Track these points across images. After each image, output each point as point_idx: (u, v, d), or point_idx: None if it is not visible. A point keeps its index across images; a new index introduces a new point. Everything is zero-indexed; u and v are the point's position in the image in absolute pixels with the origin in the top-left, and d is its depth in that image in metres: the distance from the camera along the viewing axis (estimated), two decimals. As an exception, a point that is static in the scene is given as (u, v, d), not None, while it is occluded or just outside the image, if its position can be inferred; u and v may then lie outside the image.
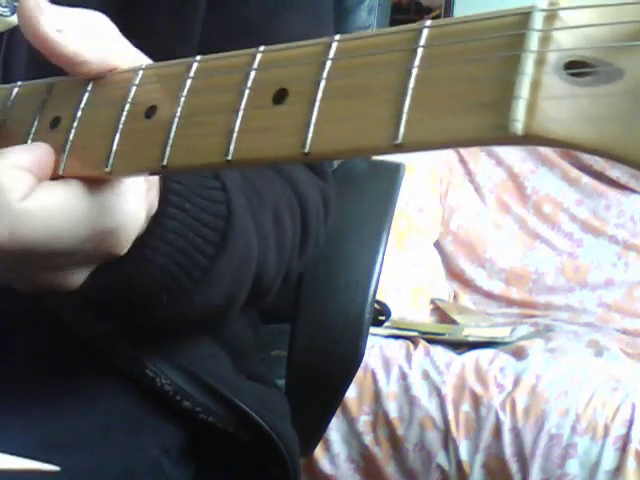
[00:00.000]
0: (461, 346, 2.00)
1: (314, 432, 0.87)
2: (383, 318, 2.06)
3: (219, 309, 0.60)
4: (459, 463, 1.80)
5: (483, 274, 2.52)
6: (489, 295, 2.50)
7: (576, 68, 0.29)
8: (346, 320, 0.82)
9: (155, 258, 0.51)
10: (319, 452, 1.87)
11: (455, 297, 2.53)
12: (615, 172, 2.53)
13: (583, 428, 1.73)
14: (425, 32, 0.32)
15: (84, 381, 0.60)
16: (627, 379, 1.81)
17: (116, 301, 0.53)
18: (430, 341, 2.00)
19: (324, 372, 0.82)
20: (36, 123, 0.44)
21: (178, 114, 0.39)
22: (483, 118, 0.29)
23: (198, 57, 0.40)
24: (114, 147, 0.40)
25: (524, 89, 0.29)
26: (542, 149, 2.66)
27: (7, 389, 0.57)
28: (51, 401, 0.58)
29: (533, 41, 0.29)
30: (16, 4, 0.51)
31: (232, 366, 0.68)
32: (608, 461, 1.70)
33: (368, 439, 1.88)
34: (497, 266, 2.52)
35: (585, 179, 2.57)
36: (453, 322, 2.27)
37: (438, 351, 1.94)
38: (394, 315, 2.10)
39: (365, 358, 0.84)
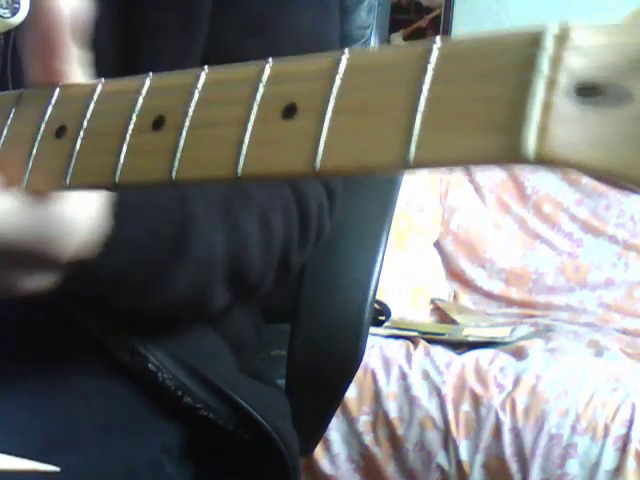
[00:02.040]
0: (461, 346, 2.00)
1: (314, 432, 0.87)
2: (383, 318, 2.06)
3: (184, 308, 0.61)
4: (459, 463, 1.80)
5: (483, 274, 2.52)
6: (489, 295, 2.50)
7: (587, 91, 0.28)
8: (346, 320, 0.82)
9: (109, 258, 0.50)
10: (319, 452, 1.87)
11: (455, 297, 2.53)
12: (615, 172, 2.53)
13: (583, 428, 1.73)
14: (435, 50, 0.32)
15: (85, 381, 0.60)
16: (627, 379, 1.81)
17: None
18: (430, 341, 2.00)
19: (324, 372, 0.82)
20: (41, 131, 0.44)
21: (186, 127, 0.38)
22: (494, 140, 0.29)
23: (206, 68, 0.40)
24: (122, 159, 0.40)
25: (535, 111, 0.29)
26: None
27: (7, 389, 0.57)
28: (51, 401, 0.58)
29: (544, 63, 0.29)
30: (16, 5, 0.51)
31: (234, 364, 0.68)
32: (608, 461, 1.70)
33: (368, 439, 1.88)
34: (497, 266, 2.52)
35: (585, 179, 2.57)
36: (453, 322, 2.27)
37: (438, 351, 1.94)
38: (394, 315, 2.11)
39: (365, 358, 0.84)
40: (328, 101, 0.34)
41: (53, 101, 0.44)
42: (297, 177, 0.39)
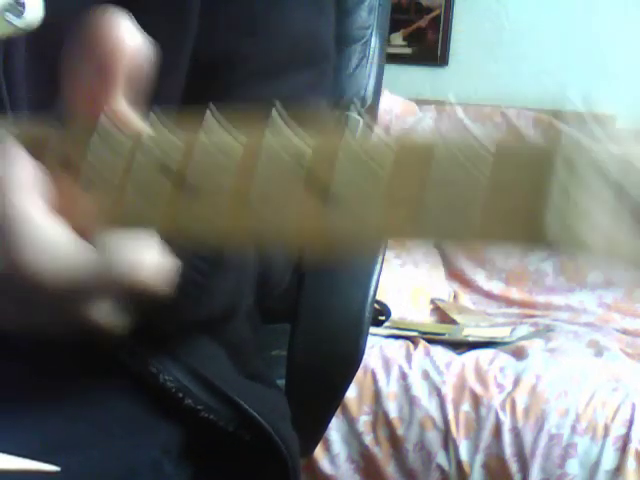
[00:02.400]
0: (461, 346, 2.00)
1: (314, 432, 0.87)
2: (383, 318, 2.06)
3: (219, 316, 0.61)
4: (459, 463, 1.80)
5: (483, 274, 2.52)
6: (489, 295, 2.50)
7: None
8: (346, 320, 0.82)
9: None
10: (319, 452, 1.87)
11: (455, 297, 2.53)
12: (615, 172, 2.53)
13: (583, 428, 1.73)
14: None
15: (85, 381, 0.60)
16: (627, 379, 1.81)
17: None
18: (430, 341, 2.00)
19: (324, 372, 0.82)
20: (47, 162, 0.42)
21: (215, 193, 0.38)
22: (518, 226, 0.30)
23: (244, 137, 0.39)
24: (129, 199, 0.39)
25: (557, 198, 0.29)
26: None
27: (7, 389, 0.57)
28: (51, 401, 0.58)
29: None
30: (21, 9, 0.51)
31: (233, 365, 0.68)
32: (608, 461, 1.70)
33: (368, 439, 1.88)
34: (497, 266, 2.51)
35: (585, 179, 2.57)
36: (453, 322, 2.27)
37: (438, 351, 1.94)
38: (394, 315, 2.10)
39: (365, 358, 0.84)
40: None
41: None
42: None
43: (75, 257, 0.41)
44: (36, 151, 0.43)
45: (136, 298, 0.47)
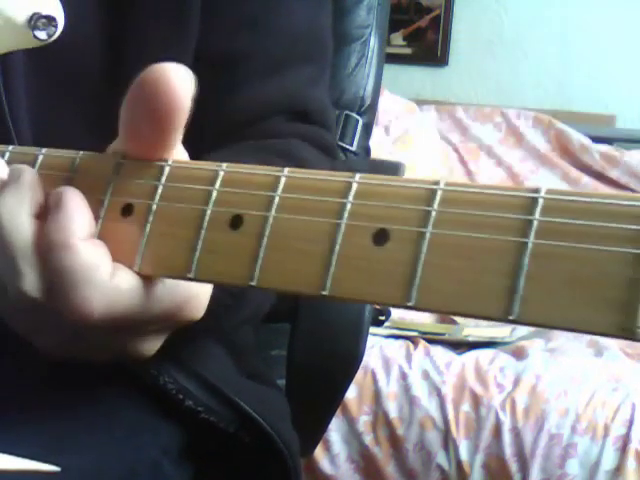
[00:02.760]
0: (461, 346, 2.00)
1: (314, 432, 0.87)
2: (383, 318, 2.06)
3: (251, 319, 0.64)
4: (459, 463, 1.80)
5: (483, 274, 2.52)
6: (489, 295, 2.50)
7: None
8: (346, 320, 0.82)
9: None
10: (319, 452, 1.87)
11: (455, 297, 2.53)
12: (615, 172, 2.53)
13: (583, 428, 1.73)
14: (540, 202, 0.31)
15: (84, 381, 0.60)
16: (627, 379, 1.81)
17: None
18: (430, 341, 2.00)
19: (324, 372, 0.82)
20: (105, 206, 0.42)
21: (268, 233, 0.37)
22: (606, 315, 0.28)
23: (286, 171, 0.38)
24: (197, 254, 0.38)
25: None
26: (542, 148, 2.66)
27: (7, 389, 0.57)
28: (52, 401, 0.58)
29: None
30: (54, 29, 0.50)
31: (233, 366, 0.68)
32: (608, 461, 1.70)
33: (368, 439, 1.88)
34: (497, 266, 2.51)
35: (585, 179, 2.57)
36: (453, 322, 2.27)
37: (438, 351, 1.94)
38: (394, 315, 2.10)
39: (365, 358, 0.84)
40: (424, 236, 0.32)
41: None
42: (389, 306, 0.38)
43: (135, 303, 0.42)
44: (94, 196, 0.42)
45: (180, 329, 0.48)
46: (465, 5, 2.92)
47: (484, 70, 2.91)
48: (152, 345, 0.49)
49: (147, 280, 0.42)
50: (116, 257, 0.42)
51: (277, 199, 0.37)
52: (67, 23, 0.51)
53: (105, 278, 0.41)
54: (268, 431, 0.64)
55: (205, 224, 0.38)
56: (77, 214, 0.41)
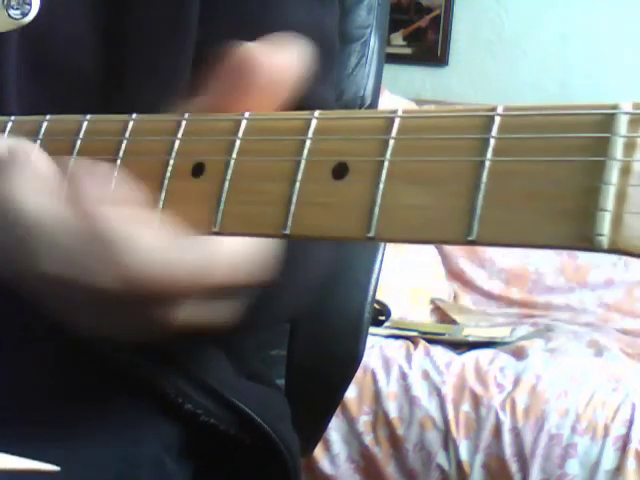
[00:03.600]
0: (461, 346, 2.00)
1: (314, 432, 0.87)
2: (383, 318, 2.06)
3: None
4: (459, 463, 1.80)
5: (483, 274, 2.52)
6: (489, 295, 2.50)
7: None
8: (346, 320, 0.82)
9: None
10: (319, 452, 1.87)
11: (455, 297, 2.53)
12: (615, 172, 2.53)
13: (583, 428, 1.73)
14: (497, 120, 0.30)
15: (86, 380, 0.60)
16: (627, 379, 1.81)
17: None
18: (430, 341, 2.00)
19: (324, 372, 0.82)
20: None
21: (229, 178, 0.36)
22: (565, 226, 0.28)
23: (247, 114, 0.37)
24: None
25: (609, 201, 0.27)
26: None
27: (7, 388, 0.57)
28: (53, 400, 0.58)
29: (618, 148, 0.27)
30: (27, 7, 0.50)
31: (232, 367, 0.68)
32: (608, 461, 1.70)
33: (368, 439, 1.88)
34: (497, 266, 2.52)
35: (585, 179, 2.57)
36: (453, 322, 2.27)
37: (438, 351, 1.94)
38: (394, 315, 2.11)
39: (365, 358, 0.84)
40: (382, 165, 0.32)
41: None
42: (352, 241, 0.37)
43: (175, 261, 0.40)
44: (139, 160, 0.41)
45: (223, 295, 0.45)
46: (465, 5, 2.91)
47: (484, 70, 2.91)
48: (183, 312, 0.46)
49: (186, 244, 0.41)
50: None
51: (238, 143, 0.37)
52: (43, 7, 0.51)
53: (145, 241, 0.38)
54: (268, 432, 0.64)
55: (168, 174, 0.38)
56: (107, 179, 0.40)
